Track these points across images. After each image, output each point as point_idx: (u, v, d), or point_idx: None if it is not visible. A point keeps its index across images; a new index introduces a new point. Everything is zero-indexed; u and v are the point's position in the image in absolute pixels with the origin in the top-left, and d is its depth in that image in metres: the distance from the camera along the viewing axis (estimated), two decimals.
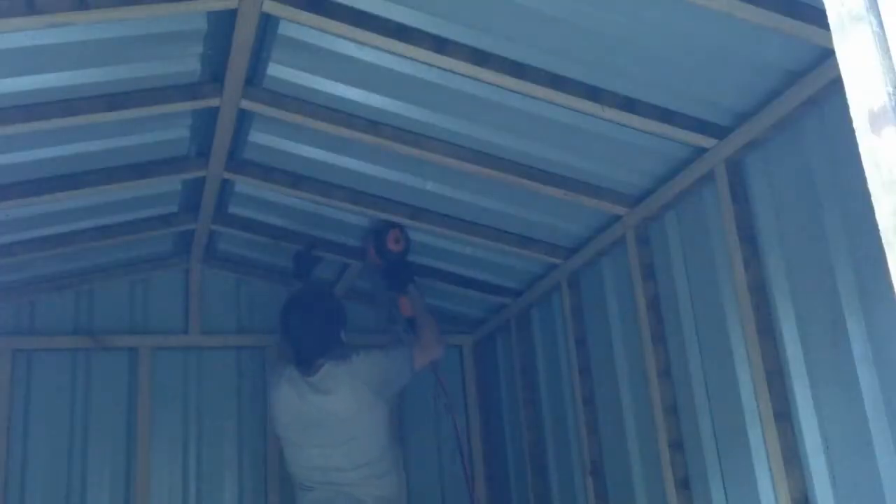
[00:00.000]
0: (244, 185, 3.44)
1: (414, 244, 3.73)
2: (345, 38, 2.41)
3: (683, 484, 2.80)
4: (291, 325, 3.34)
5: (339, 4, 2.31)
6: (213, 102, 2.77)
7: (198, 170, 3.25)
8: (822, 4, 0.88)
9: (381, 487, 3.26)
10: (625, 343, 3.20)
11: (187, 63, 2.64)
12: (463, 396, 4.43)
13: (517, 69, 2.44)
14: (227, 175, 3.30)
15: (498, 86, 2.52)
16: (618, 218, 3.11)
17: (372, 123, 2.84)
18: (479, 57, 2.42)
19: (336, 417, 3.21)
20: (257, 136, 3.09)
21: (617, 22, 2.23)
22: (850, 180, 2.10)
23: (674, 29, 2.22)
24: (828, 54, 2.09)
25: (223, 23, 2.44)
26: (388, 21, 2.34)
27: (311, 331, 3.31)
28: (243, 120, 2.99)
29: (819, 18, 1.96)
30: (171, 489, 3.98)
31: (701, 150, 2.63)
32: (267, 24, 2.47)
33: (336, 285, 4.10)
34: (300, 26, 2.41)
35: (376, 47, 2.42)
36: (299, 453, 3.33)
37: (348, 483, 3.22)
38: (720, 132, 2.54)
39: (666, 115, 2.54)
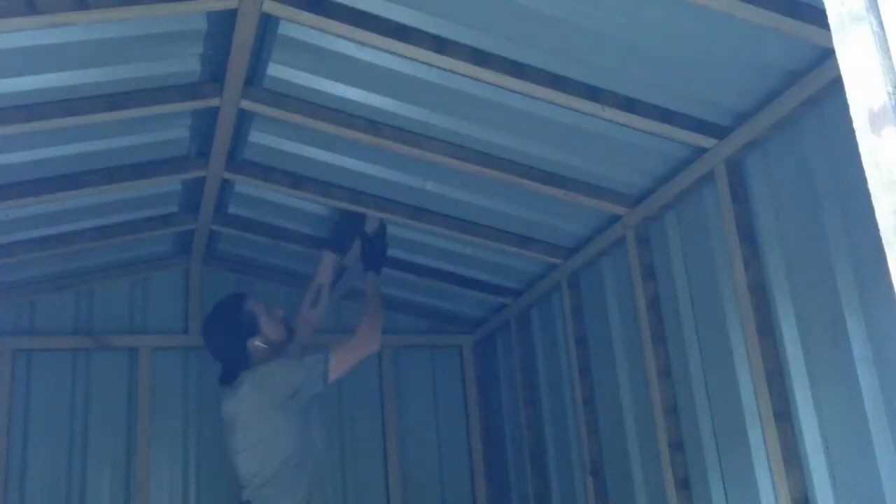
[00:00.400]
0: (244, 185, 3.43)
1: (414, 244, 3.73)
2: (345, 38, 2.41)
3: (683, 484, 2.80)
4: (205, 343, 3.42)
5: (339, 4, 2.31)
6: (213, 102, 2.77)
7: (198, 170, 3.25)
8: (822, 4, 0.88)
9: (285, 500, 3.09)
10: (625, 343, 3.20)
11: (187, 63, 2.64)
12: (463, 396, 4.43)
13: (517, 69, 2.44)
14: (227, 175, 3.30)
15: (498, 86, 2.52)
16: (618, 218, 3.11)
17: (372, 123, 2.84)
18: (479, 57, 2.42)
19: (238, 422, 3.14)
20: (257, 136, 3.09)
21: (617, 22, 2.23)
22: (850, 180, 2.10)
23: (674, 29, 2.22)
24: (828, 54, 2.09)
25: (223, 23, 2.43)
26: (388, 21, 2.34)
27: (217, 346, 3.34)
28: (243, 120, 2.99)
29: (819, 18, 1.96)
30: (171, 489, 3.98)
31: (701, 150, 2.63)
32: (267, 24, 2.47)
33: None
34: (300, 26, 2.41)
35: (376, 47, 2.42)
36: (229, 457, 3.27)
37: (254, 488, 3.11)
38: (720, 132, 2.54)
39: (666, 115, 2.54)
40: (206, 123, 2.99)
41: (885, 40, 0.79)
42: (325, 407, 3.45)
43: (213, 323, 3.37)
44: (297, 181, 3.31)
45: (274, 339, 3.31)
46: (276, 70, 2.67)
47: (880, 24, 0.80)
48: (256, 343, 3.26)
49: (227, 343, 3.30)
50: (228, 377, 3.25)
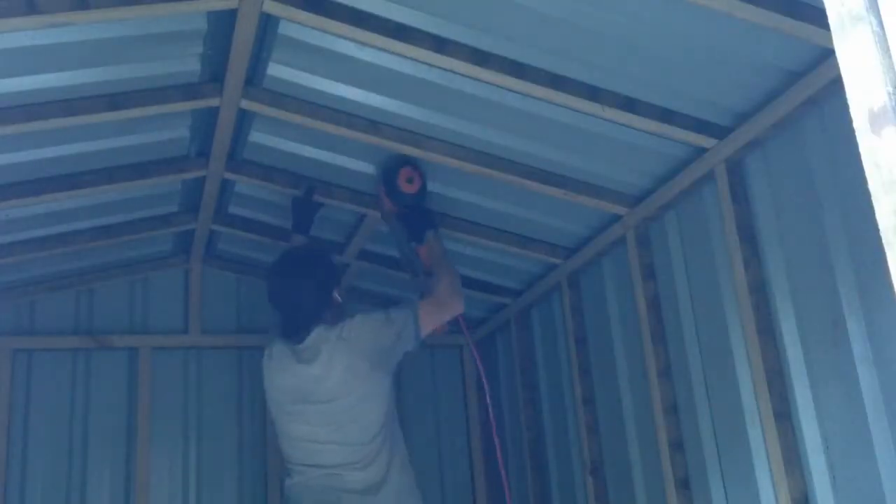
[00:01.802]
0: (244, 185, 3.44)
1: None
2: (345, 38, 2.41)
3: (683, 484, 2.80)
4: (275, 289, 3.00)
5: (339, 4, 2.31)
6: (213, 102, 2.77)
7: (198, 170, 3.25)
8: (822, 4, 0.88)
9: (372, 473, 2.83)
10: (625, 343, 3.20)
11: (187, 63, 2.64)
12: (463, 396, 4.43)
13: (517, 69, 2.44)
14: (227, 175, 3.30)
15: (498, 86, 2.52)
16: (618, 218, 3.11)
17: (372, 123, 2.84)
18: (479, 57, 2.42)
19: (324, 389, 2.82)
20: (257, 136, 3.09)
21: (617, 22, 2.23)
22: (850, 180, 2.10)
23: (674, 29, 2.22)
24: (828, 54, 2.09)
25: (223, 23, 2.44)
26: (388, 21, 2.34)
27: (296, 293, 2.93)
28: (243, 120, 2.99)
29: (819, 18, 1.96)
30: (171, 489, 3.98)
31: (701, 150, 2.63)
32: (267, 24, 2.47)
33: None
34: (300, 26, 2.41)
35: (376, 47, 2.42)
36: (286, 432, 2.95)
37: (334, 466, 2.82)
38: (720, 132, 2.54)
39: (666, 115, 2.54)
40: (206, 123, 2.99)
41: (885, 40, 0.79)
42: None
43: (295, 271, 2.98)
44: (297, 181, 3.31)
45: (342, 297, 3.05)
46: (276, 70, 2.67)
47: (880, 24, 0.80)
48: (337, 297, 2.99)
49: (310, 293, 2.93)
50: (297, 334, 2.91)
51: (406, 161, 3.07)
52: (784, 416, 2.33)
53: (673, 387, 2.87)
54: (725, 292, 2.60)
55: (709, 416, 2.72)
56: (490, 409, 3.41)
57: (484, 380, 3.38)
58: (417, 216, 3.17)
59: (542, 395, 3.86)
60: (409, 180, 3.10)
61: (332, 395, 2.83)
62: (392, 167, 3.09)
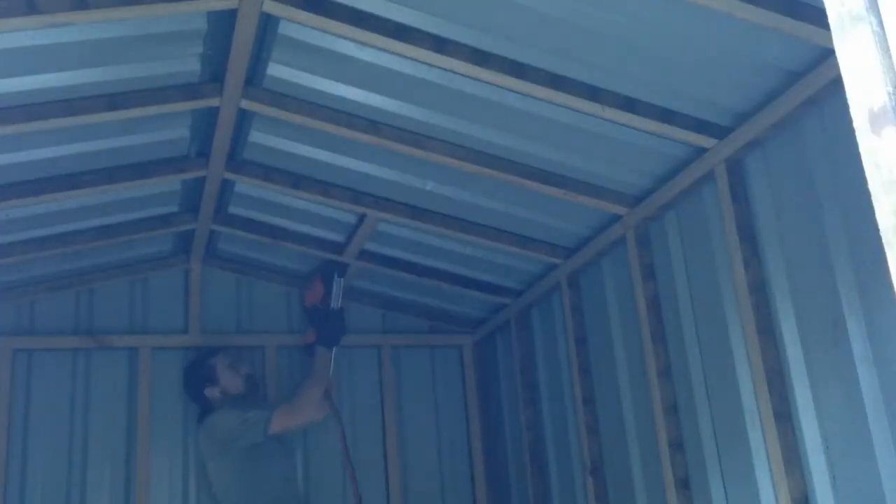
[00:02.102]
0: (244, 185, 3.44)
1: (414, 244, 3.74)
2: (345, 38, 2.41)
3: (683, 484, 2.80)
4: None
5: (339, 4, 2.31)
6: (213, 102, 2.77)
7: (198, 170, 3.25)
8: (822, 4, 0.88)
9: None
10: (625, 343, 3.20)
11: (187, 63, 2.64)
12: (463, 396, 4.43)
13: (517, 69, 2.44)
14: (227, 175, 3.30)
15: (498, 86, 2.52)
16: (618, 218, 3.11)
17: (372, 123, 2.84)
18: (479, 57, 2.42)
19: (202, 457, 3.82)
20: (257, 136, 3.09)
21: (617, 22, 2.23)
22: (850, 180, 2.10)
23: (674, 29, 2.22)
24: (828, 54, 2.09)
25: (223, 23, 2.43)
26: (388, 21, 2.34)
27: (186, 390, 3.94)
28: (243, 120, 2.98)
29: (819, 18, 1.96)
30: (171, 489, 3.97)
31: (701, 150, 2.63)
32: (267, 24, 2.47)
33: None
34: (300, 26, 2.41)
35: (376, 47, 2.42)
36: None
37: None
38: (720, 132, 2.54)
39: (666, 115, 2.54)
40: (206, 123, 2.99)
41: (885, 40, 0.79)
42: (287, 442, 3.91)
43: (184, 370, 3.97)
44: (297, 181, 3.31)
45: (230, 391, 3.79)
46: (276, 70, 2.67)
47: (880, 24, 0.80)
48: (214, 392, 3.80)
49: (188, 389, 3.91)
50: (199, 418, 3.85)
51: (342, 273, 3.85)
52: (784, 416, 2.33)
53: (673, 387, 2.87)
54: (725, 292, 2.60)
55: (709, 416, 2.72)
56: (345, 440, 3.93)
57: None
58: (334, 325, 3.91)
59: (542, 395, 3.86)
60: (340, 296, 3.86)
61: (205, 463, 3.82)
62: (334, 272, 3.86)
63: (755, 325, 2.40)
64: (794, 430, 2.32)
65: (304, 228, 3.78)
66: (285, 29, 2.48)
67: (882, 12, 0.79)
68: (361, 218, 3.53)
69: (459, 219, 3.44)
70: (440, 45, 2.39)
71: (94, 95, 2.62)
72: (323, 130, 2.87)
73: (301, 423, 3.80)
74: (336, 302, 3.88)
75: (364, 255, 3.88)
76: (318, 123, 2.83)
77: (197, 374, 3.87)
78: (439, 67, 2.48)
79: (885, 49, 0.79)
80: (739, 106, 2.45)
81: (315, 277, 3.95)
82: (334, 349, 3.89)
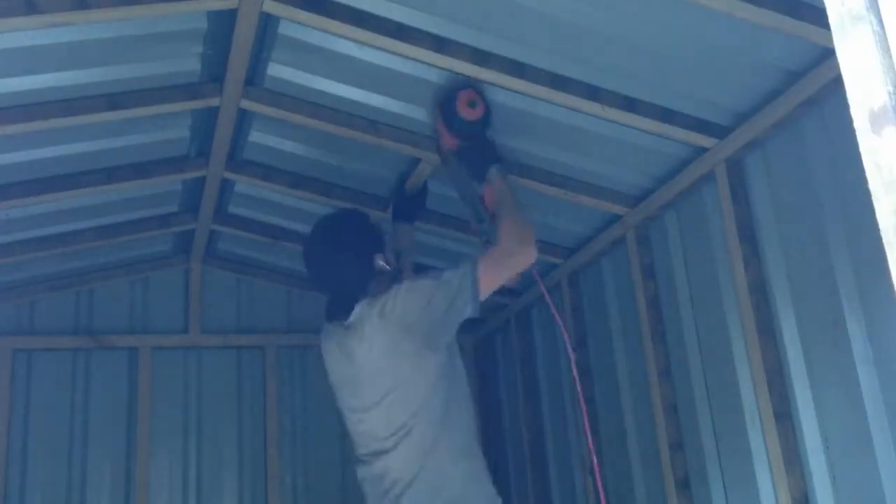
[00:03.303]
0: (244, 184, 3.43)
1: (414, 244, 3.69)
2: (345, 37, 2.41)
3: (683, 484, 2.80)
4: (310, 264, 2.66)
5: (339, 4, 2.31)
6: (213, 102, 2.77)
7: (198, 170, 3.25)
8: (822, 4, 0.88)
9: (432, 467, 2.43)
10: (625, 343, 3.20)
11: (187, 63, 2.64)
12: None
13: (517, 69, 2.44)
14: (227, 175, 3.30)
15: (498, 86, 2.52)
16: (618, 218, 3.11)
17: (372, 123, 2.84)
18: (479, 57, 2.42)
19: (369, 370, 2.49)
20: (257, 136, 3.09)
21: (617, 22, 2.23)
22: (850, 180, 2.10)
23: (674, 29, 2.22)
24: (828, 54, 2.09)
25: (223, 22, 2.43)
26: (388, 21, 2.34)
27: (331, 266, 2.61)
28: (243, 120, 2.98)
29: (819, 18, 1.96)
30: (171, 489, 3.98)
31: (701, 150, 2.63)
32: (267, 23, 2.47)
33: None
34: (300, 26, 2.41)
35: (376, 47, 2.42)
36: (347, 417, 2.64)
37: (388, 454, 2.46)
38: (720, 132, 2.54)
39: (666, 115, 2.54)
40: (206, 123, 2.99)
41: (885, 40, 0.79)
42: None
43: (329, 241, 2.64)
44: (297, 181, 3.31)
45: (393, 263, 2.66)
46: (276, 70, 2.67)
47: (880, 23, 0.79)
48: (381, 263, 2.59)
49: (350, 260, 2.58)
50: (343, 309, 2.55)
51: (466, 83, 2.57)
52: (784, 416, 2.33)
53: (673, 387, 2.87)
54: (725, 292, 2.60)
55: (709, 416, 2.72)
56: (574, 368, 2.85)
57: (564, 332, 3.06)
58: (479, 149, 2.63)
59: (542, 395, 3.86)
60: (472, 104, 2.57)
61: (375, 374, 2.49)
62: (450, 91, 2.59)
63: (755, 325, 2.40)
64: (794, 430, 2.32)
65: (304, 228, 3.77)
66: (285, 29, 2.48)
67: (882, 12, 0.79)
68: None
69: (460, 219, 3.43)
70: (440, 45, 2.39)
71: (94, 95, 2.62)
72: (323, 130, 2.87)
73: (520, 268, 2.52)
74: (469, 115, 2.59)
75: None
76: (318, 123, 2.83)
77: (362, 243, 2.62)
78: (439, 67, 2.48)
79: (886, 49, 0.79)
80: (739, 106, 2.45)
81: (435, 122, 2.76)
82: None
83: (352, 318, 2.51)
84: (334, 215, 2.86)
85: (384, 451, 2.46)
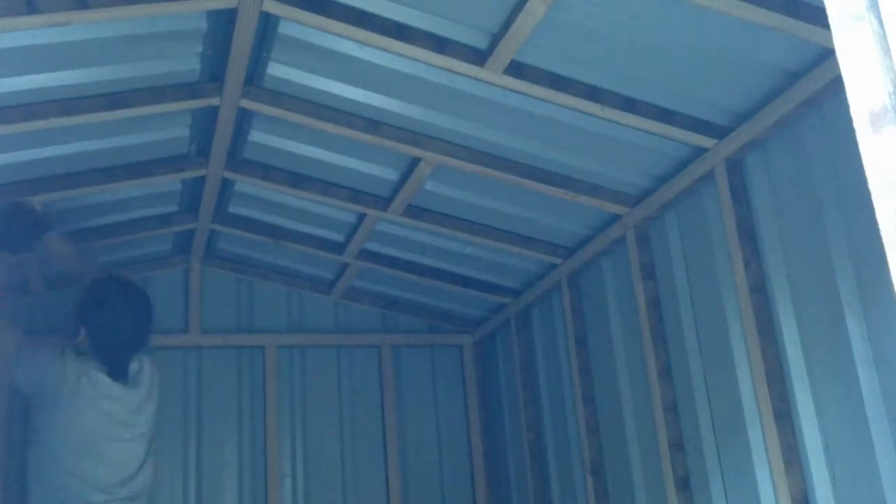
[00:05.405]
0: (244, 184, 3.43)
1: (414, 244, 3.72)
2: (345, 37, 2.41)
3: (683, 484, 2.80)
4: (116, 318, 3.24)
5: (340, 4, 2.31)
6: (213, 102, 2.77)
7: (198, 169, 3.25)
8: (822, 4, 0.88)
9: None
10: (625, 343, 3.20)
11: (187, 62, 2.64)
12: (463, 396, 4.43)
13: (518, 69, 2.44)
14: (227, 174, 3.30)
15: (498, 86, 2.52)
16: (618, 218, 3.11)
17: (372, 123, 2.84)
18: (479, 57, 2.42)
19: (139, 412, 3.30)
20: (257, 136, 3.09)
21: (618, 22, 2.23)
22: (850, 180, 2.10)
23: (674, 29, 2.22)
24: (828, 54, 2.09)
25: (223, 22, 2.44)
26: (388, 21, 2.34)
27: (133, 325, 3.29)
28: (243, 119, 2.98)
29: (819, 18, 1.96)
30: (171, 489, 3.98)
31: (701, 150, 2.63)
32: (267, 23, 2.47)
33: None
34: (300, 26, 2.41)
35: (377, 47, 2.42)
36: (105, 454, 3.25)
37: (141, 488, 3.29)
38: (720, 132, 2.54)
39: (666, 115, 2.54)
40: (206, 123, 2.99)
41: (885, 40, 0.79)
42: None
43: (133, 303, 3.38)
44: (297, 181, 3.31)
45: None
46: (276, 69, 2.67)
47: (880, 24, 0.79)
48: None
49: (143, 325, 3.42)
50: (122, 361, 3.34)
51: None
52: (784, 416, 2.33)
53: (673, 387, 2.87)
54: (725, 292, 2.60)
55: (709, 416, 2.72)
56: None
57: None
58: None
59: (542, 395, 3.86)
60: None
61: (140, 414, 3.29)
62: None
63: (755, 325, 2.40)
64: (794, 430, 2.32)
65: (303, 228, 3.78)
66: (285, 28, 2.48)
67: (882, 12, 0.79)
68: (361, 218, 3.53)
69: (459, 219, 3.44)
70: (440, 45, 2.39)
71: (94, 95, 2.62)
72: (323, 130, 2.87)
73: None
74: None
75: (364, 254, 3.88)
76: (318, 123, 2.83)
77: (151, 310, 3.48)
78: (439, 67, 2.48)
79: (885, 49, 0.79)
80: (739, 106, 2.45)
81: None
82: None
83: (132, 368, 3.36)
84: (126, 280, 3.43)
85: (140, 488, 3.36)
